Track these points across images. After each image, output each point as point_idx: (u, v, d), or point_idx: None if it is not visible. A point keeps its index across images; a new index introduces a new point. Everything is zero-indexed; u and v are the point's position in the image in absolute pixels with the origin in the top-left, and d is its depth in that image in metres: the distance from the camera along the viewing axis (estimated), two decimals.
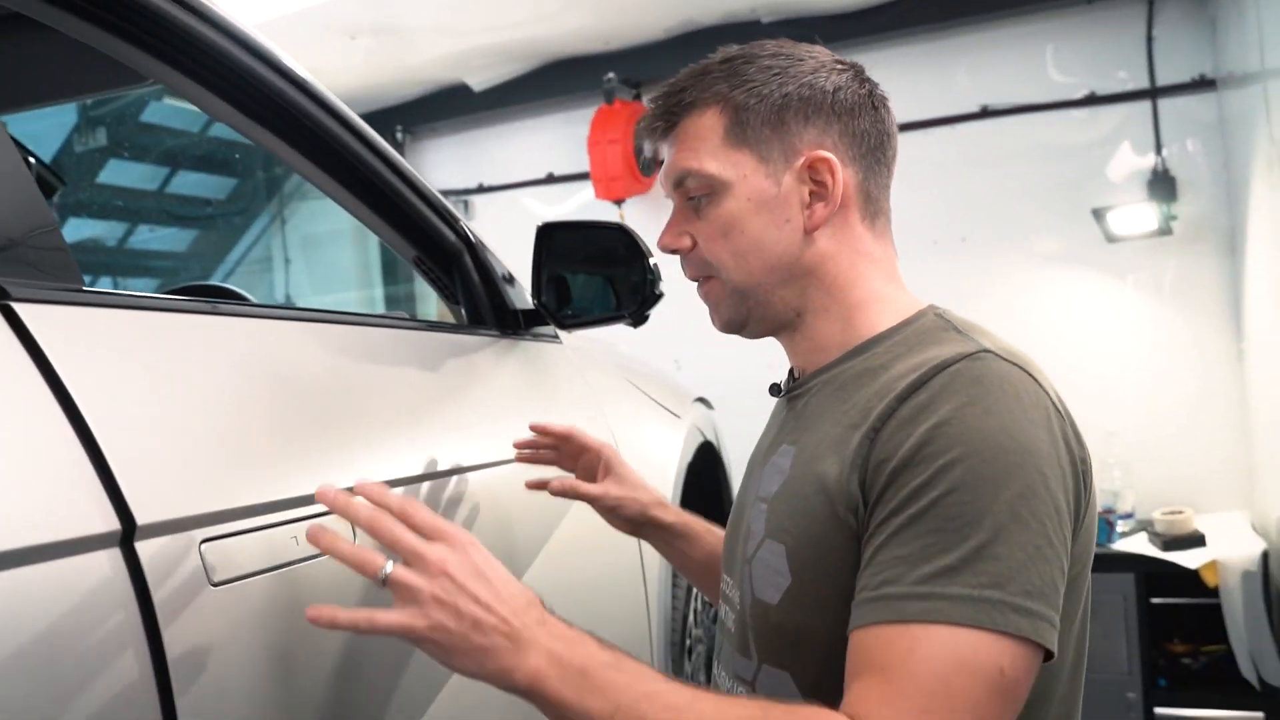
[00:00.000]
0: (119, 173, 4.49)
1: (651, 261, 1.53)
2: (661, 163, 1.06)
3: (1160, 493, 3.63)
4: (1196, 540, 3.29)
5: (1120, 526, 3.56)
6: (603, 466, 1.31)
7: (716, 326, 1.07)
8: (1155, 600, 3.31)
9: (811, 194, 0.99)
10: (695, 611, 2.08)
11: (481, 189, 4.88)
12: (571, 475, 1.34)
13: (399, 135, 4.87)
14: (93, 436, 0.72)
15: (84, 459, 0.71)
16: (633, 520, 1.31)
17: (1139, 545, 3.40)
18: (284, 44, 1.15)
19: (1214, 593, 3.18)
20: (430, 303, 4.69)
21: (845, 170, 1.00)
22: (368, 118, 1.29)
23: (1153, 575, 3.28)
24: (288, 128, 1.23)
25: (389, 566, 0.81)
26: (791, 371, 1.10)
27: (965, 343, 0.92)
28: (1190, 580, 3.20)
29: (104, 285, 4.66)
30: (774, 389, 1.13)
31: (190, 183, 4.41)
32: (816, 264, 1.00)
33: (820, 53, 1.04)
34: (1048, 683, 0.91)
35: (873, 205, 1.03)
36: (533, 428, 1.32)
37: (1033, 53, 3.96)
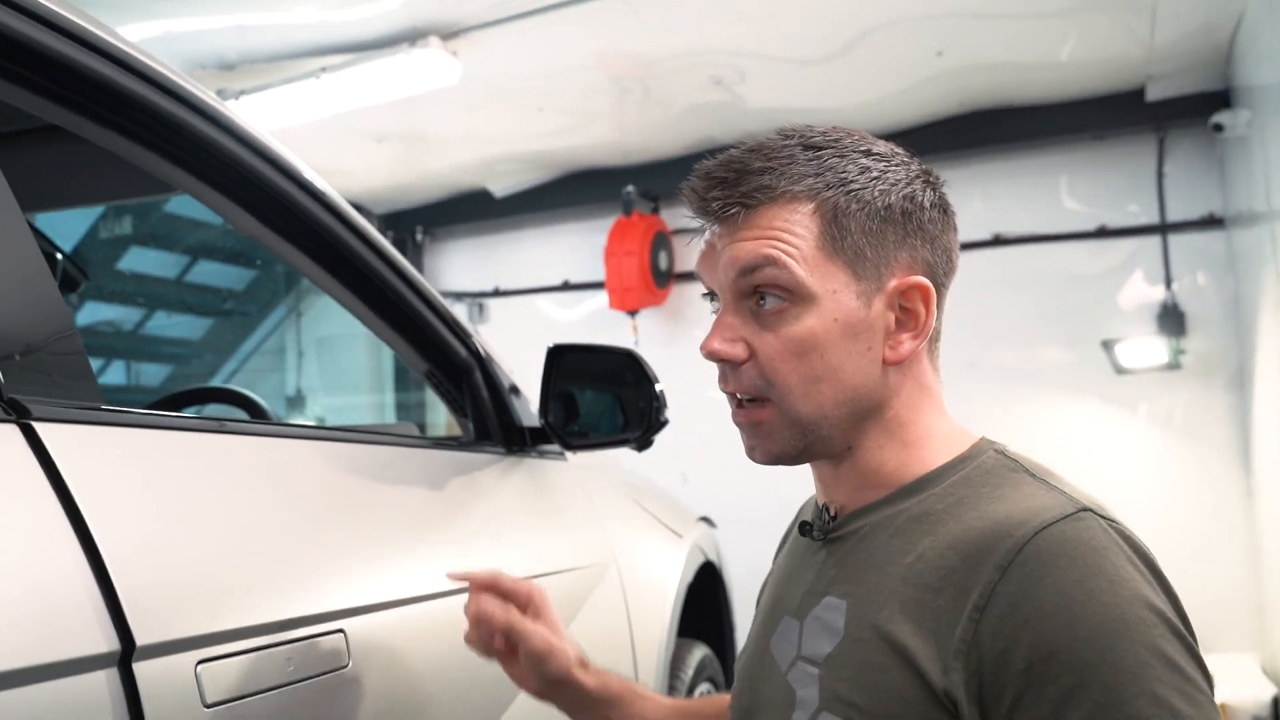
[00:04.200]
0: (140, 260, 4.56)
1: (658, 388, 1.53)
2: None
3: None
4: None
5: None
6: (531, 610, 1.09)
7: (757, 458, 0.91)
8: None
9: (897, 322, 0.88)
10: None
11: (497, 292, 4.90)
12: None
13: (419, 236, 4.92)
14: (100, 557, 0.73)
15: (90, 579, 0.72)
16: (553, 677, 1.07)
17: None
18: (312, 144, 1.17)
19: None
20: (440, 411, 4.67)
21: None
22: (388, 217, 1.32)
23: None
24: (310, 242, 1.28)
25: None
26: (825, 508, 0.94)
27: (1050, 494, 0.82)
28: None
29: (118, 369, 4.71)
30: (804, 528, 0.97)
31: (209, 273, 4.47)
32: (884, 399, 0.89)
33: (901, 153, 0.92)
34: None
35: (936, 333, 0.92)
36: (450, 576, 1.12)
37: (1046, 184, 4.03)
